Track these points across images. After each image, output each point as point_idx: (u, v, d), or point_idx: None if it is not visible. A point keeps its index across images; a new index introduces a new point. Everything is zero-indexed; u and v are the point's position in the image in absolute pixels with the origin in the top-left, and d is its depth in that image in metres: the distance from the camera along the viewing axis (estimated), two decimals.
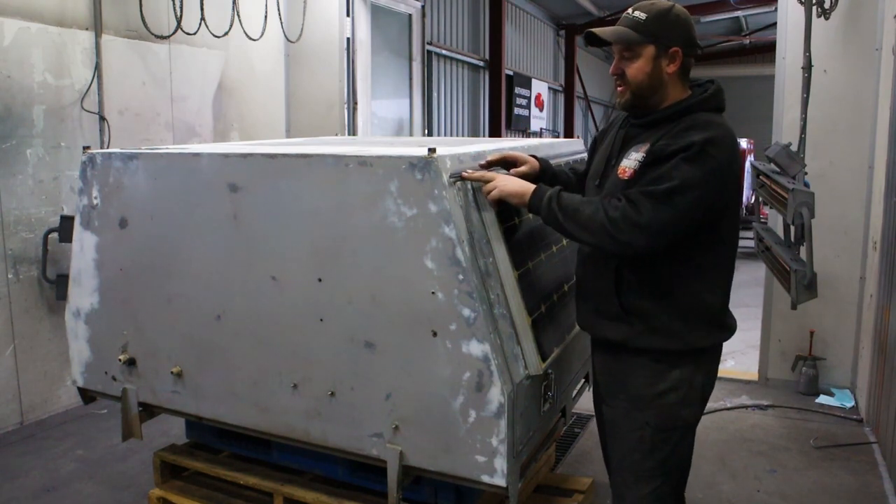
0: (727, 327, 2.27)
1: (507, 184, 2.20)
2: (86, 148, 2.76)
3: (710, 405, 4.61)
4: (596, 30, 2.20)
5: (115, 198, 2.66)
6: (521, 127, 12.87)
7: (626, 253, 2.10)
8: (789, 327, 5.07)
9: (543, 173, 2.46)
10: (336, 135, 6.43)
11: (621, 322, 2.19)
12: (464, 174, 2.16)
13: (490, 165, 2.36)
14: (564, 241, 2.79)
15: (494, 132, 11.63)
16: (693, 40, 2.18)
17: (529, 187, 2.19)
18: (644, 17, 2.13)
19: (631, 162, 2.14)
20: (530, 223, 2.50)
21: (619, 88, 2.21)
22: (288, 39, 6.25)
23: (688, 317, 2.16)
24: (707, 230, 2.11)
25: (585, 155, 3.58)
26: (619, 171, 2.16)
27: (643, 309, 2.16)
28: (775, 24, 5.23)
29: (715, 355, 2.30)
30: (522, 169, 2.41)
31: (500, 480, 2.12)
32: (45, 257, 4.40)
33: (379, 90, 7.70)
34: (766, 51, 15.68)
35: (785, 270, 3.87)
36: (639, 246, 2.04)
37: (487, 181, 2.21)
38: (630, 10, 2.17)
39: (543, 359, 2.26)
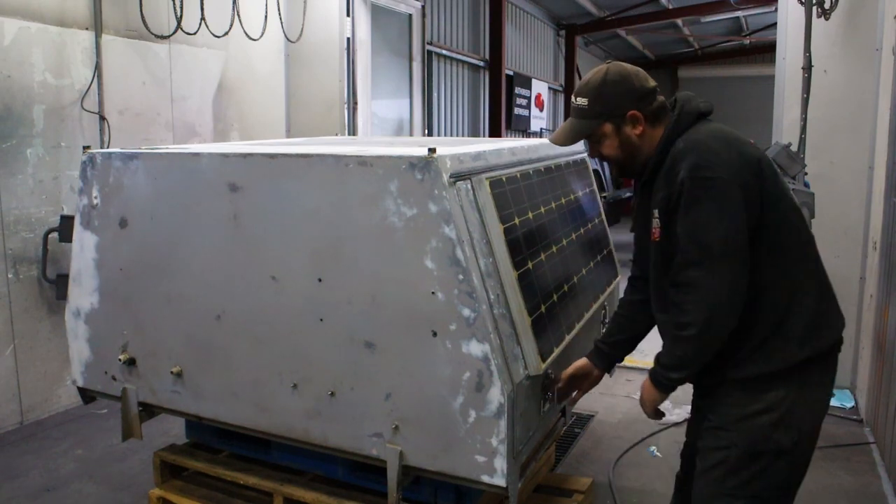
0: (827, 330, 2.03)
1: (643, 397, 2.16)
2: (86, 148, 2.76)
3: None
4: (550, 138, 2.23)
5: (115, 198, 2.67)
6: (521, 127, 12.87)
7: (734, 320, 1.94)
8: None
9: (605, 359, 2.42)
10: (336, 135, 6.43)
11: (711, 364, 2.04)
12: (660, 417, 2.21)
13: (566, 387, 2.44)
14: (564, 241, 2.79)
15: (494, 132, 11.63)
16: (643, 91, 2.08)
17: (651, 387, 2.11)
18: (586, 102, 2.10)
19: (655, 221, 2.07)
20: (530, 223, 2.51)
21: (608, 164, 2.22)
22: (288, 39, 6.25)
23: (774, 336, 1.98)
24: (756, 242, 1.94)
25: (586, 155, 3.60)
26: (652, 236, 2.09)
27: (729, 346, 2.00)
28: (775, 24, 5.23)
29: (824, 365, 2.05)
30: (592, 383, 2.46)
31: (499, 480, 2.12)
32: (45, 257, 4.40)
33: (379, 90, 7.70)
34: (766, 51, 15.69)
35: None
36: (728, 304, 1.91)
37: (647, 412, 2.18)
38: (574, 98, 2.15)
39: (543, 359, 2.27)
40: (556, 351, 2.40)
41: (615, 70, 2.10)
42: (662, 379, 2.06)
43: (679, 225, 1.95)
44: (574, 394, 2.53)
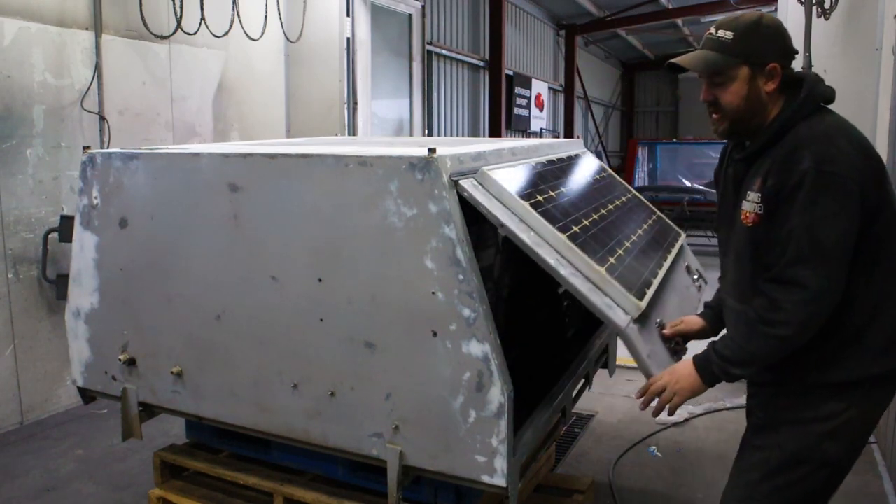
0: None
1: (678, 386, 1.98)
2: (86, 148, 2.76)
3: (711, 405, 4.63)
4: (677, 59, 1.99)
5: (115, 198, 2.66)
6: (521, 127, 12.88)
7: (819, 325, 1.84)
8: None
9: (716, 318, 2.27)
10: (336, 135, 6.43)
11: (774, 366, 1.95)
12: (642, 404, 2.02)
13: (673, 335, 2.25)
14: (603, 210, 2.73)
15: (494, 132, 11.63)
16: (790, 49, 1.95)
17: (695, 377, 1.97)
18: (731, 37, 1.91)
19: (750, 205, 1.92)
20: (554, 200, 2.47)
21: (713, 116, 2.00)
22: (288, 39, 6.25)
23: (849, 347, 1.90)
24: (857, 250, 1.84)
25: (584, 150, 3.58)
26: (741, 217, 1.95)
27: (798, 350, 1.90)
28: None
29: (887, 386, 1.96)
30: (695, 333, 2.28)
31: (499, 480, 2.12)
32: (45, 257, 4.40)
33: (379, 90, 7.70)
34: None
35: None
36: (826, 309, 1.82)
37: (658, 393, 2.01)
38: (713, 30, 1.96)
39: (639, 298, 2.18)
40: (649, 293, 2.29)
41: (771, 18, 1.95)
42: (718, 371, 1.91)
43: (795, 218, 1.80)
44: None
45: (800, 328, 1.81)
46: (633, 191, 3.42)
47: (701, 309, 2.39)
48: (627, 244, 2.56)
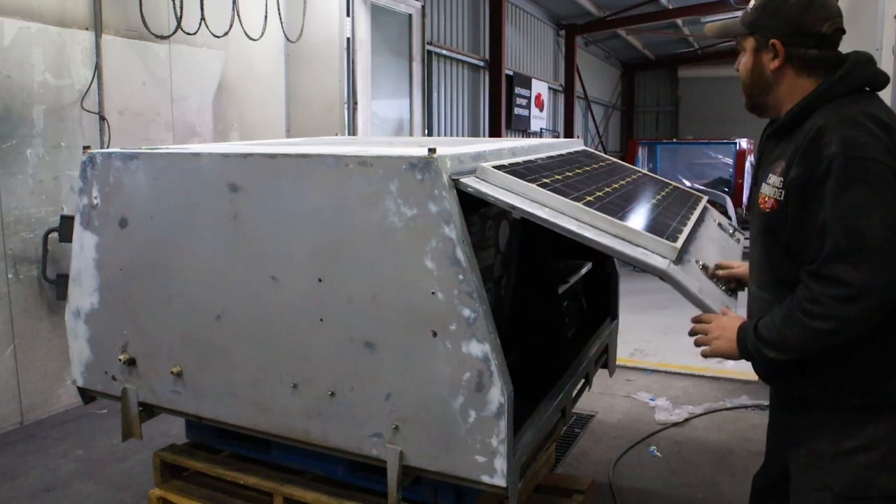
0: None
1: (718, 342, 1.93)
2: (86, 148, 2.76)
3: (710, 405, 4.63)
4: (708, 22, 2.01)
5: (115, 198, 2.66)
6: (521, 127, 12.87)
7: (870, 324, 1.69)
8: None
9: None
10: (336, 135, 6.43)
11: (804, 376, 1.84)
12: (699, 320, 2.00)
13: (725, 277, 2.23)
14: (616, 185, 2.74)
15: (494, 132, 11.63)
16: (807, 30, 1.80)
17: (734, 342, 1.89)
18: (750, 6, 1.89)
19: (770, 189, 1.82)
20: (561, 182, 2.49)
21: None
22: (288, 39, 6.25)
23: (888, 362, 1.76)
24: None
25: (582, 145, 3.60)
26: (759, 200, 1.86)
27: (831, 358, 1.77)
28: None
29: None
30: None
31: (499, 481, 2.12)
32: (45, 257, 4.40)
33: (379, 90, 7.70)
34: None
35: None
36: (876, 306, 1.64)
37: (705, 323, 1.97)
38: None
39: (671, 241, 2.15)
40: (682, 238, 2.25)
41: None
42: (752, 347, 1.83)
43: (826, 210, 1.66)
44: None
45: (840, 325, 1.67)
46: (644, 171, 3.42)
47: None
48: (648, 206, 2.56)
